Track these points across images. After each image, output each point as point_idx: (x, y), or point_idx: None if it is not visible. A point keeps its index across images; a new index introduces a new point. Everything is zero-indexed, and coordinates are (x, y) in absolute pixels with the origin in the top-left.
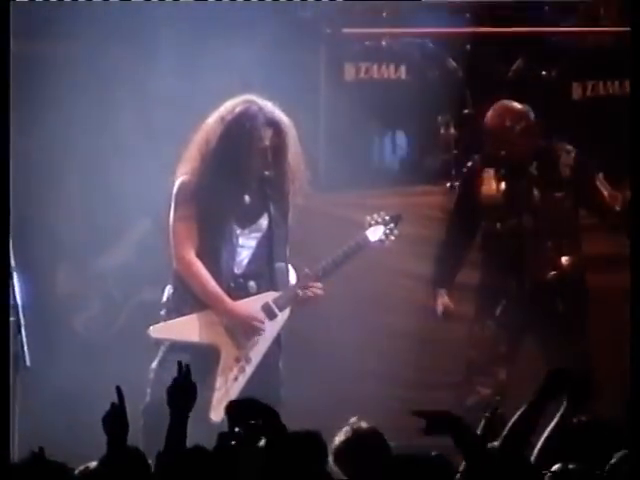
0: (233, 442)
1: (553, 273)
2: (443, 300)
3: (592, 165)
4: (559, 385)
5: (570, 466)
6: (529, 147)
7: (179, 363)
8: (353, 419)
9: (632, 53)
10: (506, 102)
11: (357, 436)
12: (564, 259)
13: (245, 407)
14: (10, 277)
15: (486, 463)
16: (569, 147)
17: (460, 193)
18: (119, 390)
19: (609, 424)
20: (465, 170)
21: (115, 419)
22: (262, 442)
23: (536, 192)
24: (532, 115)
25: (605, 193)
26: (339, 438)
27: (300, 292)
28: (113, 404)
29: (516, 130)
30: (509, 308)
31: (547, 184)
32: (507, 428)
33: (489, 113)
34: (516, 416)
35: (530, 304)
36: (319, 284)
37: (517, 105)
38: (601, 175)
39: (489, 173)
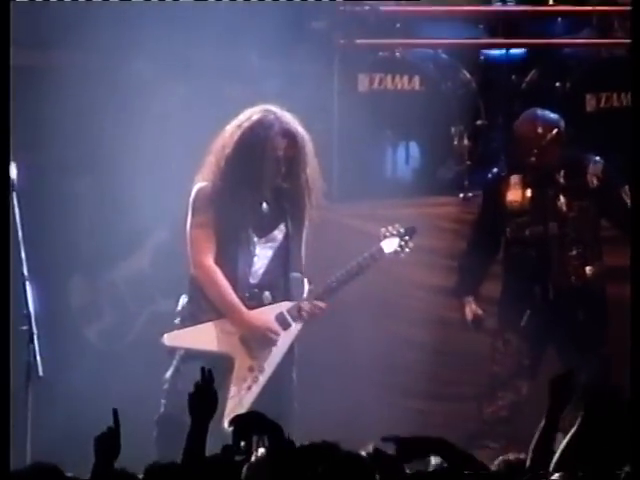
0: (238, 457)
1: (576, 282)
2: (472, 308)
3: (619, 176)
4: (566, 389)
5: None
6: (558, 155)
7: (202, 369)
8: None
9: (633, 63)
10: (538, 110)
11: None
12: (587, 268)
13: (250, 421)
14: (10, 285)
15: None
16: (597, 158)
17: (485, 199)
18: (115, 413)
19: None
20: (490, 176)
21: (108, 442)
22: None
23: (562, 200)
24: (563, 124)
25: (630, 205)
26: None
27: (303, 307)
28: (109, 427)
29: (547, 138)
30: (533, 317)
31: (573, 193)
32: (532, 448)
33: (520, 119)
34: (537, 434)
35: (553, 312)
36: (321, 303)
37: (549, 113)
38: (627, 187)
39: (515, 179)
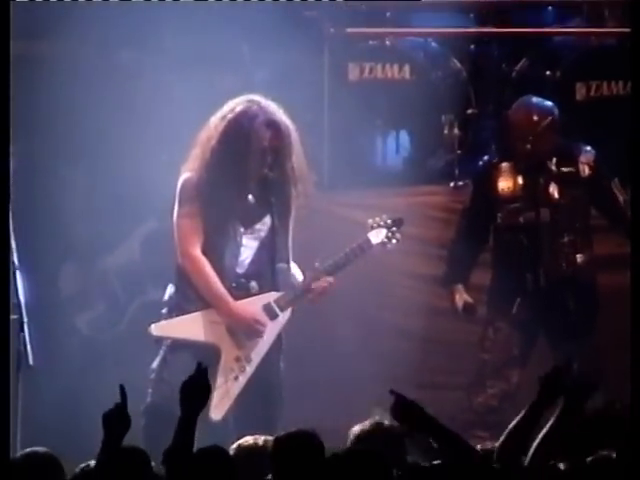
0: None
1: (567, 269)
2: (462, 296)
3: (610, 168)
4: (555, 386)
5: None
6: (551, 143)
7: (199, 363)
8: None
9: (632, 55)
10: (533, 97)
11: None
12: (578, 256)
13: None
14: (10, 275)
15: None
16: (588, 147)
17: (475, 186)
18: (122, 389)
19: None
20: (481, 163)
21: (117, 418)
22: None
23: (554, 187)
24: (557, 112)
25: (620, 198)
26: (360, 428)
27: (313, 285)
28: (117, 404)
29: (542, 125)
30: (524, 305)
31: (565, 181)
32: (506, 432)
33: (515, 106)
34: (515, 421)
35: (544, 300)
36: (330, 278)
37: (543, 101)
38: (617, 180)
39: (506, 166)
